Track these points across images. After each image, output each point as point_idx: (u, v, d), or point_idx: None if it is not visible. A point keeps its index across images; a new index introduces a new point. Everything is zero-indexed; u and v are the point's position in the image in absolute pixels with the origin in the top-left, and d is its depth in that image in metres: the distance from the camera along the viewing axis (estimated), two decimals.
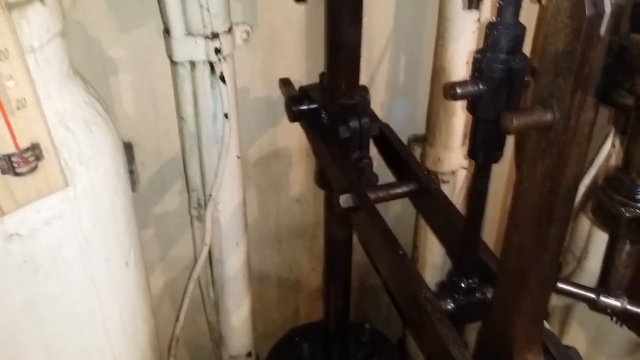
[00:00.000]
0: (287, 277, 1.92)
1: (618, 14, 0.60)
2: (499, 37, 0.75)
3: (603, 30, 0.61)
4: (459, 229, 1.05)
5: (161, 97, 1.39)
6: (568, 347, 0.90)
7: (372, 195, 1.19)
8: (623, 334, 1.41)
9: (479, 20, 1.33)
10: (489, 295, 0.98)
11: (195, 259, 1.45)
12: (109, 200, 0.73)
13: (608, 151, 1.19)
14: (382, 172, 1.39)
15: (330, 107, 1.33)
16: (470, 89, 0.77)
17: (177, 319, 1.47)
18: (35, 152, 0.59)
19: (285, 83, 1.45)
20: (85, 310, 0.73)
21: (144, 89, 1.38)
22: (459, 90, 0.77)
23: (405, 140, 1.72)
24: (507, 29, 0.74)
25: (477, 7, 0.73)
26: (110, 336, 0.77)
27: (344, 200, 1.16)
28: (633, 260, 0.67)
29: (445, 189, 1.58)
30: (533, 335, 0.82)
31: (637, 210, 0.61)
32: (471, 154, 0.87)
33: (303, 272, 1.92)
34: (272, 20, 1.42)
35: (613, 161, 1.16)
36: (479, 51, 0.78)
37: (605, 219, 0.64)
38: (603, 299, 0.73)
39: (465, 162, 1.55)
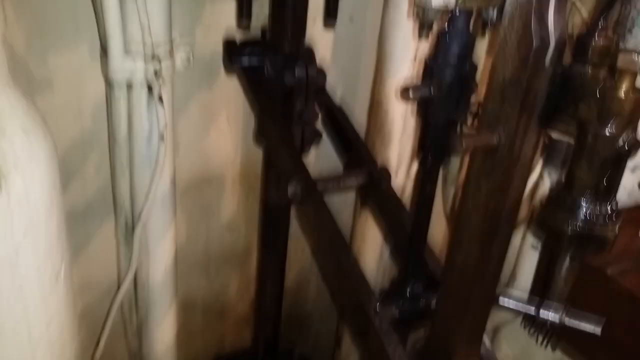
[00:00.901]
0: (213, 304, 1.87)
1: (561, 46, 0.65)
2: (451, 43, 0.79)
3: (548, 61, 0.65)
4: (407, 231, 1.05)
5: (91, 117, 1.33)
6: None
7: (320, 187, 1.14)
8: (547, 356, 1.47)
9: (415, 58, 1.37)
10: (433, 302, 0.99)
11: (119, 283, 1.38)
12: (43, 209, 0.69)
13: (535, 180, 1.25)
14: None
15: (274, 58, 1.25)
16: (422, 92, 0.80)
17: (97, 344, 1.39)
18: None
19: (227, 42, 1.34)
20: (11, 322, 0.68)
21: (73, 109, 1.32)
22: (411, 93, 0.80)
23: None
24: (459, 36, 0.79)
25: (427, 37, 0.76)
26: (36, 351, 0.72)
27: (292, 191, 1.10)
28: (573, 275, 0.70)
29: None
30: (473, 351, 0.84)
31: (578, 227, 0.65)
32: (419, 157, 0.89)
33: (231, 300, 1.88)
34: (211, 44, 1.41)
35: (540, 190, 1.24)
36: (430, 56, 0.82)
37: (549, 234, 0.68)
38: (543, 312, 0.76)
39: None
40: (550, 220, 0.67)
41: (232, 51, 1.29)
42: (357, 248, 1.66)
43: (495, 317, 1.50)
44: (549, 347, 1.38)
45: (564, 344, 1.32)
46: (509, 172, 0.72)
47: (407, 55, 1.35)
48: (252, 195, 1.69)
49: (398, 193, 1.56)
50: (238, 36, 1.34)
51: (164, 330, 1.49)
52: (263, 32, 1.35)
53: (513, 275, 1.36)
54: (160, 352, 1.51)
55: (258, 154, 1.54)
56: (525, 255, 1.31)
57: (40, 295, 0.72)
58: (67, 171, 1.36)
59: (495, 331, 1.60)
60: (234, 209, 1.70)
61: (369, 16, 1.54)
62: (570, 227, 0.65)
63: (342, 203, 1.75)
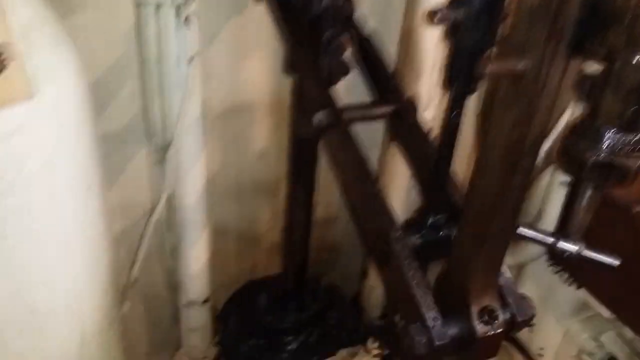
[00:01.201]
0: (246, 231, 1.92)
1: None
2: None
3: None
4: (430, 163, 1.03)
5: (124, 38, 1.34)
6: (523, 296, 0.93)
7: (347, 115, 1.12)
8: (571, 294, 1.47)
9: None
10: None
11: (155, 204, 1.42)
12: (74, 118, 0.71)
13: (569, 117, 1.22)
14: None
15: None
16: (450, 15, 0.78)
17: (134, 262, 1.46)
18: (3, 53, 0.57)
19: None
20: (48, 227, 0.72)
21: (106, 30, 1.33)
22: (439, 16, 0.78)
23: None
24: None
25: None
26: (73, 258, 0.76)
27: (318, 119, 1.08)
28: (593, 205, 0.69)
29: None
30: (490, 280, 0.85)
31: (601, 155, 0.63)
32: (446, 84, 0.87)
33: (262, 228, 1.92)
34: None
35: None
36: None
37: (570, 163, 0.66)
38: (562, 243, 0.75)
39: (429, 125, 1.55)
40: (572, 148, 0.65)
41: None
42: (384, 182, 1.67)
43: (520, 255, 1.50)
44: (572, 286, 1.39)
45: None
46: (534, 100, 0.70)
47: None
48: (283, 125, 1.68)
49: (429, 126, 1.55)
50: None
51: (197, 252, 1.54)
52: None
53: (540, 214, 1.34)
54: (194, 273, 1.58)
55: (288, 83, 1.54)
56: (553, 193, 1.29)
57: (74, 204, 0.75)
58: (101, 94, 1.39)
59: (520, 269, 1.60)
60: (264, 138, 1.71)
61: None
62: (592, 156, 0.63)
63: (371, 139, 1.76)
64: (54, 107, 0.66)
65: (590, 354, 1.52)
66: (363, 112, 1.16)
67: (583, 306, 1.50)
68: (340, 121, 1.11)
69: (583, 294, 1.43)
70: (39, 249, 0.72)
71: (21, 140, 0.64)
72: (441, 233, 1.01)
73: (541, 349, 1.62)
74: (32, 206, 0.69)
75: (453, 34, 0.81)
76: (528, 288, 1.60)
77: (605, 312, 1.40)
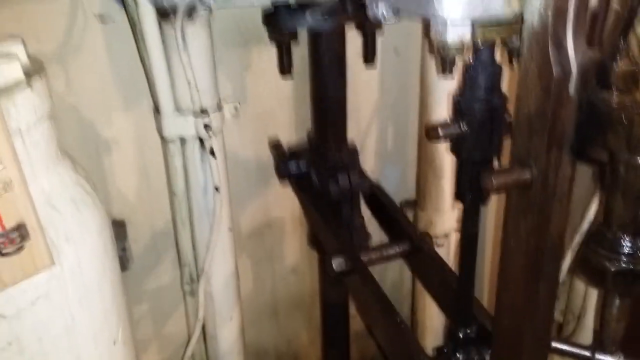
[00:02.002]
0: (285, 350, 1.88)
1: (585, 73, 0.62)
2: (476, 75, 0.77)
3: (572, 89, 0.63)
4: (453, 288, 1.04)
5: (153, 173, 1.41)
6: None
7: (365, 258, 1.19)
8: None
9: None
10: (487, 356, 0.97)
11: (189, 335, 1.42)
12: (95, 277, 0.73)
13: (596, 208, 1.19)
14: (376, 234, 1.38)
15: (319, 167, 1.35)
16: (452, 129, 0.79)
17: None
18: (21, 232, 0.60)
19: (275, 146, 1.48)
20: None
21: (136, 167, 1.40)
22: (441, 132, 0.79)
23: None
24: (484, 67, 0.77)
25: (451, 72, 0.75)
26: None
27: (337, 264, 1.15)
28: (624, 314, 0.66)
29: (440, 252, 1.57)
30: None
31: (622, 264, 0.61)
32: (458, 195, 0.87)
33: (302, 345, 1.88)
34: (260, 94, 1.47)
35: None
36: (457, 92, 0.80)
37: (592, 274, 0.64)
38: (598, 356, 0.71)
39: (457, 225, 1.55)
40: (592, 258, 0.63)
41: (280, 160, 1.42)
42: (419, 320, 1.71)
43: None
44: None
45: None
46: (546, 207, 0.69)
47: (450, 83, 1.35)
48: None
49: (457, 226, 1.55)
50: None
51: None
52: (309, 136, 1.44)
53: (581, 317, 1.28)
54: None
55: None
56: (591, 296, 1.23)
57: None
58: (136, 227, 1.44)
59: None
60: (296, 252, 1.72)
61: (412, 48, 1.55)
62: (612, 265, 0.61)
63: (400, 277, 1.83)
64: (75, 270, 0.68)
65: None
66: (380, 253, 1.22)
67: None
68: (359, 263, 1.16)
69: None
70: None
71: (42, 308, 0.65)
72: (473, 354, 0.98)
73: None
74: None
75: (458, 146, 0.82)
76: None
77: None
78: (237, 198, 1.43)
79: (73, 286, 0.68)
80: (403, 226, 1.26)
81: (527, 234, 0.71)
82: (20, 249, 0.60)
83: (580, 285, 1.33)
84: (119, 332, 0.78)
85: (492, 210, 1.75)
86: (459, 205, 1.51)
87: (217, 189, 1.24)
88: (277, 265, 1.73)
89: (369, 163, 1.69)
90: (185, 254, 1.37)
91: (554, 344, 0.74)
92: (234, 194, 1.37)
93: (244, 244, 1.62)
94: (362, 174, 1.36)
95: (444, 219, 1.53)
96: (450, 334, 1.01)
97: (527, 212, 0.71)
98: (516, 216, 0.72)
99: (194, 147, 1.23)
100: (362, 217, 1.37)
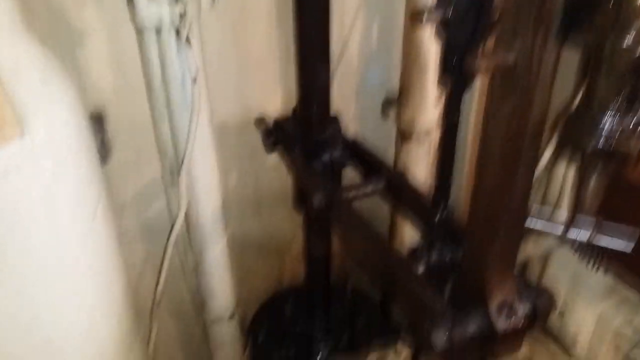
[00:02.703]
0: (268, 243, 1.93)
1: None
2: None
3: None
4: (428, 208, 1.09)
5: (129, 65, 1.36)
6: (542, 287, 0.92)
7: (344, 195, 1.25)
8: (599, 279, 1.44)
9: None
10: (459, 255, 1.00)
11: (172, 226, 1.44)
12: (69, 151, 0.72)
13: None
14: None
15: (303, 141, 1.43)
16: (438, 13, 0.77)
17: (157, 282, 1.47)
18: None
19: (260, 122, 1.54)
20: (53, 262, 0.72)
21: (112, 59, 1.35)
22: (426, 16, 0.77)
23: (379, 104, 1.72)
24: None
25: None
26: (82, 289, 0.77)
27: (318, 199, 1.22)
28: (600, 191, 0.68)
29: (421, 150, 1.59)
30: (506, 274, 0.84)
31: (600, 142, 0.62)
32: (441, 81, 0.87)
33: (285, 238, 1.93)
34: None
35: None
36: None
37: (572, 151, 0.65)
38: (572, 232, 0.74)
39: (439, 121, 1.55)
40: (572, 136, 0.64)
41: (266, 135, 1.51)
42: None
43: (545, 243, 1.48)
44: (600, 271, 1.35)
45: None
46: (528, 91, 0.69)
47: None
48: None
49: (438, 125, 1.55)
50: None
51: (218, 269, 1.55)
52: (294, 110, 1.50)
53: (562, 197, 1.31)
54: (218, 290, 1.59)
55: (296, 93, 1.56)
56: (568, 187, 1.26)
57: (79, 236, 0.76)
58: (114, 121, 1.42)
59: (546, 257, 1.57)
60: None
61: None
62: (591, 143, 0.62)
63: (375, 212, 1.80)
64: (47, 143, 0.67)
65: (625, 338, 1.49)
66: (357, 191, 1.27)
67: (614, 289, 1.47)
68: (340, 198, 1.22)
69: (612, 279, 1.39)
70: (48, 285, 0.73)
71: (16, 180, 0.65)
72: (445, 258, 1.02)
73: (574, 335, 1.59)
74: (35, 244, 0.70)
75: (442, 32, 0.80)
76: (555, 275, 1.57)
77: (636, 294, 1.37)
78: (216, 93, 1.40)
79: (47, 159, 0.67)
80: (380, 164, 1.33)
81: (508, 117, 0.72)
82: None
83: (557, 176, 1.36)
84: (97, 209, 0.79)
85: (472, 112, 1.76)
86: (442, 101, 1.52)
87: (194, 80, 1.21)
88: (259, 162, 1.74)
89: (353, 61, 1.66)
90: (165, 147, 1.36)
91: (529, 222, 0.77)
92: (213, 88, 1.34)
93: (226, 141, 1.62)
94: (345, 146, 1.44)
95: (427, 116, 1.52)
96: (425, 229, 1.04)
97: (510, 95, 0.71)
98: (498, 99, 0.72)
99: (169, 37, 1.19)
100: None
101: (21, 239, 0.69)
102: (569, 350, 1.65)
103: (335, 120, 1.46)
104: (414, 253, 1.12)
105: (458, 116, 0.91)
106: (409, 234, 1.71)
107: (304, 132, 1.44)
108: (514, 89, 0.70)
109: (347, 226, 1.21)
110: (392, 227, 1.83)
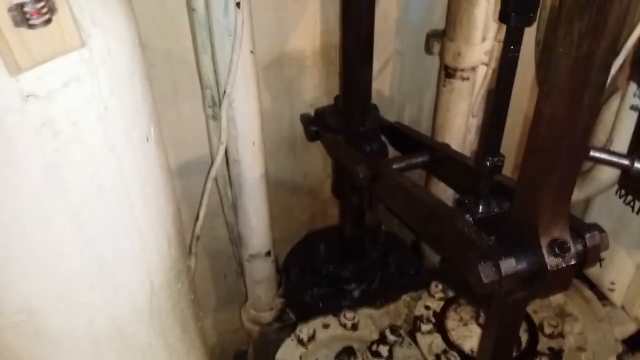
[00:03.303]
0: (302, 183, 1.92)
1: None
2: None
3: None
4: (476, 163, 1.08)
5: None
6: (596, 227, 0.89)
7: (388, 166, 1.26)
8: None
9: None
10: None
11: (212, 159, 1.43)
12: (126, 67, 0.71)
13: None
14: None
15: (344, 131, 1.48)
16: None
17: (197, 217, 1.48)
18: (48, 3, 0.57)
19: (303, 116, 1.63)
20: (109, 180, 0.72)
21: None
22: None
23: (424, 37, 1.67)
24: None
25: None
26: (135, 210, 0.77)
27: (362, 169, 1.24)
28: None
29: (466, 86, 1.54)
30: (560, 209, 0.81)
31: None
32: (502, 16, 0.83)
33: (318, 179, 1.92)
34: None
35: None
36: None
37: None
38: (638, 164, 0.71)
39: (486, 58, 1.49)
40: None
41: (308, 125, 1.57)
42: None
43: (587, 188, 1.44)
44: None
45: None
46: (604, 7, 0.64)
47: None
48: (333, 73, 1.66)
49: (486, 60, 1.50)
50: None
51: (256, 206, 1.55)
52: (336, 99, 1.56)
53: (610, 141, 1.27)
54: (255, 227, 1.59)
55: (337, 30, 1.52)
56: (623, 119, 1.20)
57: (133, 156, 0.75)
58: (153, 53, 1.40)
59: (587, 202, 1.54)
60: (315, 87, 1.69)
61: None
62: None
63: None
64: (105, 55, 0.65)
65: None
66: (401, 163, 1.29)
67: None
68: (382, 168, 1.24)
69: None
70: (102, 202, 0.73)
71: (74, 92, 0.63)
72: (493, 210, 1.00)
73: (612, 283, 1.57)
74: (91, 159, 0.69)
75: None
76: (596, 221, 1.53)
77: None
78: (256, 24, 1.36)
79: (104, 73, 0.66)
80: (424, 141, 1.35)
81: (580, 37, 0.67)
82: (48, 21, 0.57)
83: (608, 118, 1.30)
84: (151, 130, 0.78)
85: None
86: (491, 37, 1.46)
87: (238, 4, 1.17)
88: (295, 99, 1.71)
89: None
90: (207, 77, 1.34)
91: (593, 153, 0.73)
92: (254, 21, 1.31)
93: (263, 76, 1.59)
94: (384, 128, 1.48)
95: (473, 51, 1.47)
96: (470, 185, 1.03)
97: (584, 12, 0.66)
98: (570, 18, 0.68)
99: None
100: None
101: (78, 153, 0.69)
102: (605, 298, 1.63)
103: (375, 108, 1.51)
104: (460, 203, 1.10)
105: (518, 51, 0.86)
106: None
107: (346, 123, 1.48)
108: (589, 6, 0.65)
109: (393, 189, 1.22)
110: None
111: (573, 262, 0.85)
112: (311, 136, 1.56)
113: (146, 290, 0.85)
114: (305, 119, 1.57)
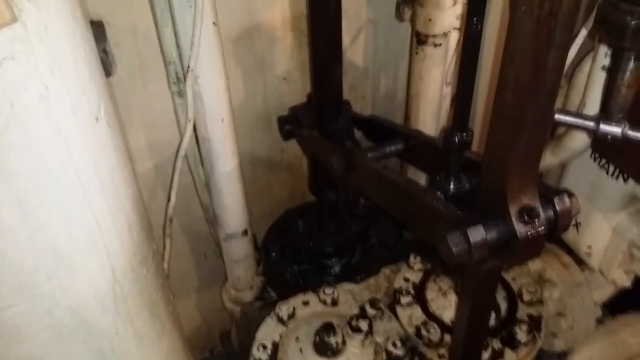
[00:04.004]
0: (279, 159, 1.89)
1: None
2: None
3: None
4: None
5: None
6: (566, 192, 0.87)
7: (363, 155, 1.27)
8: (618, 188, 1.40)
9: None
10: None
11: (181, 138, 1.40)
12: (67, 44, 0.67)
13: None
14: None
15: (318, 129, 1.50)
16: None
17: (169, 198, 1.45)
18: None
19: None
20: (57, 164, 0.69)
21: None
22: None
23: (392, 4, 1.63)
24: None
25: None
26: (88, 194, 0.74)
27: (336, 159, 1.25)
28: (637, 78, 0.62)
29: (438, 52, 1.51)
30: (529, 175, 0.79)
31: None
32: None
33: (296, 154, 1.89)
34: None
35: None
36: None
37: (610, 31, 0.59)
38: (603, 126, 0.69)
39: (457, 23, 1.46)
40: (611, 14, 0.57)
41: (282, 125, 1.59)
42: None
43: (561, 152, 1.42)
44: (620, 178, 1.31)
45: None
46: None
47: None
48: (305, 41, 1.62)
49: (457, 24, 1.47)
50: None
51: (229, 184, 1.52)
52: (309, 96, 1.57)
53: (582, 103, 1.25)
54: (229, 206, 1.56)
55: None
56: (595, 81, 1.19)
57: (82, 137, 0.72)
58: (116, 30, 1.35)
59: (562, 167, 1.53)
60: (287, 59, 1.65)
61: None
62: (634, 18, 0.55)
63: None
64: (42, 32, 0.61)
65: None
66: (374, 152, 1.30)
67: (631, 199, 1.43)
68: (360, 158, 1.24)
69: (631, 186, 1.35)
70: (51, 187, 0.70)
71: (10, 71, 0.60)
72: (464, 186, 0.99)
73: (589, 247, 1.57)
74: (35, 142, 0.66)
75: None
76: (572, 186, 1.53)
77: None
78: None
79: (41, 51, 0.62)
80: (397, 130, 1.38)
81: None
82: None
83: (581, 80, 1.29)
84: (100, 110, 0.74)
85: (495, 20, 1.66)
86: (462, 0, 1.43)
87: None
88: (268, 73, 1.67)
89: None
90: (169, 52, 1.30)
91: (558, 116, 0.71)
92: None
93: (233, 50, 1.54)
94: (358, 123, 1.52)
95: (444, 16, 1.44)
96: (442, 155, 1.01)
97: None
98: None
99: None
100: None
101: (20, 136, 0.65)
102: (582, 262, 1.63)
103: (347, 104, 1.54)
104: (432, 181, 1.09)
105: (481, 25, 0.83)
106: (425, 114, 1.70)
107: (319, 121, 1.50)
108: None
109: (367, 176, 1.22)
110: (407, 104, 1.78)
111: (542, 229, 0.83)
112: (286, 135, 1.58)
113: (107, 277, 0.82)
114: (280, 119, 1.61)
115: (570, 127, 0.73)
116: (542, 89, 0.71)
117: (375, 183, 1.19)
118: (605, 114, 0.68)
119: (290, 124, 1.58)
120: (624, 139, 0.69)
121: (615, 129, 0.68)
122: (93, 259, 0.79)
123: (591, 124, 0.70)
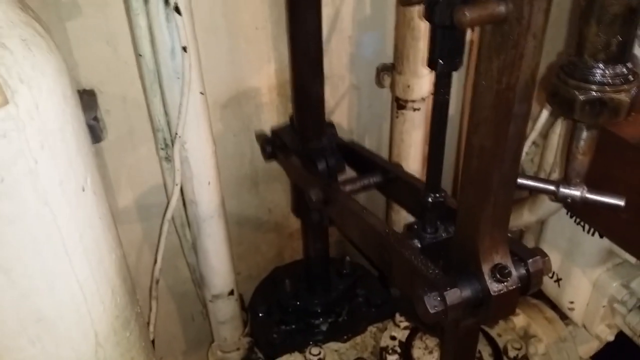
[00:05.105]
0: (267, 219, 1.92)
1: None
2: None
3: None
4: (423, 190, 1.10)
5: (120, 40, 1.35)
6: (536, 250, 0.91)
7: (341, 188, 1.29)
8: (596, 244, 1.43)
9: None
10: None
11: (169, 202, 1.43)
12: (56, 121, 0.71)
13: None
14: None
15: (300, 149, 1.48)
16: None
17: (155, 260, 1.47)
18: None
19: (259, 136, 1.65)
20: (44, 233, 0.72)
21: (102, 33, 1.33)
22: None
23: (374, 71, 1.70)
24: None
25: None
26: (73, 262, 0.76)
27: (315, 193, 1.25)
28: (590, 146, 0.66)
29: (418, 116, 1.57)
30: (499, 236, 0.83)
31: (592, 92, 0.60)
32: (430, 63, 0.86)
33: (283, 214, 1.92)
34: None
35: None
36: None
37: (561, 104, 0.64)
38: (563, 189, 0.73)
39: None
40: (561, 88, 0.62)
41: (264, 145, 1.58)
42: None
43: (539, 210, 1.47)
44: (596, 234, 1.34)
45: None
46: (520, 43, 0.67)
47: None
48: (289, 107, 1.68)
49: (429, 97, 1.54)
50: None
51: (216, 245, 1.54)
52: (291, 118, 1.56)
53: (555, 163, 1.30)
54: (215, 266, 1.58)
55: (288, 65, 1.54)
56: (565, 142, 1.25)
57: (68, 207, 0.75)
58: (107, 98, 1.40)
59: (541, 224, 1.56)
60: (274, 121, 1.71)
61: None
62: (582, 94, 0.60)
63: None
64: (33, 111, 0.65)
65: (621, 302, 1.49)
66: (354, 185, 1.31)
67: (609, 254, 1.46)
68: (337, 191, 1.26)
69: (607, 242, 1.38)
70: (37, 256, 0.72)
71: (2, 148, 0.63)
72: (441, 235, 1.02)
73: (571, 302, 1.59)
74: (23, 213, 0.69)
75: (431, 12, 0.79)
76: (551, 242, 1.56)
77: (632, 258, 1.37)
78: (207, 65, 1.38)
79: (32, 129, 0.66)
80: (376, 161, 1.38)
81: (499, 71, 0.70)
82: None
83: (554, 141, 1.35)
84: (87, 180, 0.78)
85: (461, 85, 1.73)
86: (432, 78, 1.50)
87: (184, 49, 1.19)
88: (254, 135, 1.72)
89: (346, 29, 1.63)
90: (157, 119, 1.35)
91: (520, 180, 0.75)
92: (204, 60, 1.32)
93: (221, 115, 1.60)
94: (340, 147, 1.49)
95: (422, 83, 1.51)
96: (420, 208, 1.04)
97: (501, 49, 0.69)
98: (489, 54, 0.71)
99: (157, 5, 1.16)
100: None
101: (8, 208, 0.68)
102: (566, 317, 1.65)
103: (331, 126, 1.54)
104: (410, 229, 1.12)
105: (448, 95, 0.89)
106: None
107: (301, 141, 1.49)
108: (505, 43, 0.68)
109: (345, 214, 1.23)
110: (387, 222, 1.85)
111: (514, 287, 0.86)
112: (267, 155, 1.58)
113: (90, 341, 0.83)
114: (262, 139, 1.60)
115: (534, 191, 0.77)
116: (505, 156, 0.75)
117: (353, 225, 1.20)
118: (565, 178, 0.73)
119: (273, 144, 1.57)
120: (583, 201, 0.73)
121: (574, 192, 0.72)
122: (76, 324, 0.81)
123: (552, 187, 0.74)
